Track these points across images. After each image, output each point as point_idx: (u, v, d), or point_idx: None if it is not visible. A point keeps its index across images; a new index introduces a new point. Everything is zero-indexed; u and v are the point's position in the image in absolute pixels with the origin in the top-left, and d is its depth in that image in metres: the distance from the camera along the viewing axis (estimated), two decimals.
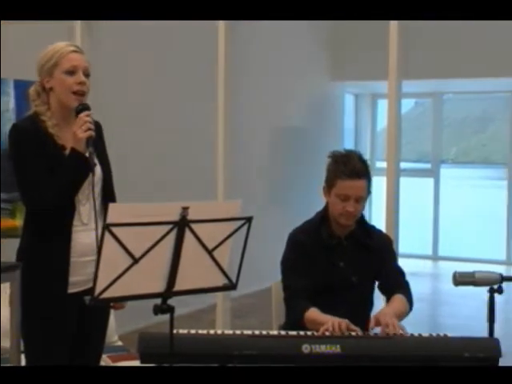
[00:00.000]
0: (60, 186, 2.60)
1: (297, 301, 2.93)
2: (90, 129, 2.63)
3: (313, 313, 2.85)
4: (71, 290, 2.67)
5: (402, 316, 2.90)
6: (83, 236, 2.67)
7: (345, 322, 2.68)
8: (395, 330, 2.65)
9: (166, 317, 2.25)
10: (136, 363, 2.62)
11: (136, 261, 2.14)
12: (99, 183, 2.74)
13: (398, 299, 2.95)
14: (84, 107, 2.67)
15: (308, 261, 2.99)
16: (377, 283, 3.10)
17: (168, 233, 2.16)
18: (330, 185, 3.00)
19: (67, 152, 2.64)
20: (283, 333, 2.69)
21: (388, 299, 3.03)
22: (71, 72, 2.67)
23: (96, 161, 2.67)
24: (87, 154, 2.63)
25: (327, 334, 2.63)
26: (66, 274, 2.65)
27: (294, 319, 2.96)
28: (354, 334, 2.66)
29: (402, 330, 2.67)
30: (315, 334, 2.63)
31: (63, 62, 2.67)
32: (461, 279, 2.79)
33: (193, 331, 2.60)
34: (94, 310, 2.60)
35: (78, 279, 2.67)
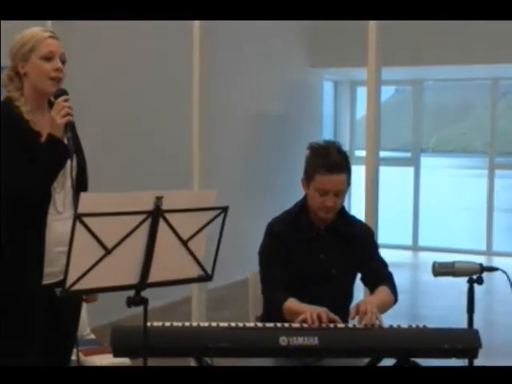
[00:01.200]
0: (38, 174, 2.58)
1: (275, 292, 2.94)
2: (68, 114, 2.61)
3: (291, 303, 2.86)
4: (44, 281, 2.65)
5: (385, 307, 2.92)
6: (58, 225, 2.65)
7: (324, 312, 2.69)
8: (372, 320, 2.66)
9: (140, 309, 2.25)
10: (109, 357, 2.63)
11: (108, 252, 2.14)
12: (73, 172, 2.72)
13: (383, 291, 2.97)
14: (62, 92, 2.66)
15: (287, 252, 3.00)
16: (359, 275, 3.12)
17: (141, 223, 2.16)
18: (308, 178, 3.00)
19: (44, 138, 2.62)
20: (260, 325, 2.70)
21: (372, 291, 3.03)
22: (48, 58, 2.66)
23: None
24: (65, 140, 2.61)
25: (305, 325, 2.64)
26: (41, 264, 2.63)
27: (272, 311, 2.97)
28: (332, 325, 2.67)
29: (378, 321, 2.68)
30: (293, 325, 2.64)
31: (40, 47, 2.65)
32: (440, 270, 2.82)
33: (167, 324, 2.60)
34: (65, 303, 2.59)
35: (51, 270, 2.65)
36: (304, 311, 2.71)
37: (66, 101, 2.63)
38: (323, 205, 2.95)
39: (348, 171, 2.99)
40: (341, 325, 2.70)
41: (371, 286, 3.05)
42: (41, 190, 2.61)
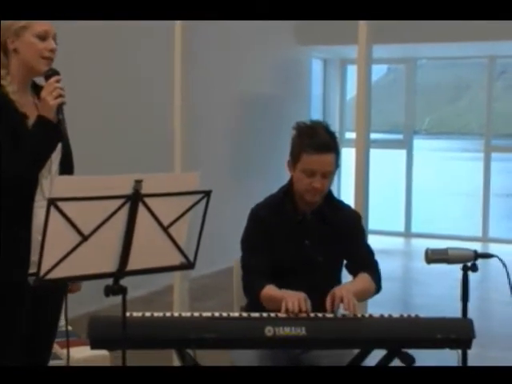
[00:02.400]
0: (27, 158, 2.56)
1: (253, 280, 2.94)
2: (60, 95, 2.60)
3: (269, 290, 2.87)
4: (31, 269, 2.63)
5: (363, 295, 2.94)
6: (44, 211, 2.63)
7: (302, 298, 2.69)
8: (349, 306, 2.67)
9: (119, 299, 2.25)
10: (86, 349, 2.62)
11: (85, 238, 2.13)
12: (58, 157, 2.71)
13: (361, 277, 2.99)
14: (53, 72, 2.65)
15: (270, 239, 3.00)
16: (344, 262, 3.13)
17: (120, 208, 2.15)
18: (294, 159, 3.00)
19: (30, 121, 2.60)
20: (245, 315, 2.70)
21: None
22: (43, 37, 2.66)
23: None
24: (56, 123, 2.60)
25: (292, 315, 2.64)
26: (28, 253, 2.60)
27: (250, 299, 2.99)
28: (320, 315, 2.68)
29: (354, 308, 2.69)
30: (279, 315, 2.65)
31: (35, 25, 2.65)
32: (433, 256, 2.83)
33: (147, 314, 2.60)
34: (49, 292, 2.58)
35: (36, 258, 2.63)
36: (282, 297, 2.71)
37: (57, 81, 2.62)
38: (310, 187, 2.95)
39: (336, 152, 2.99)
40: (329, 314, 2.71)
41: (354, 273, 3.06)
42: (29, 175, 2.60)
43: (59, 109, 2.61)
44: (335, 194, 3.20)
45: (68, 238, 2.11)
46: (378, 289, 3.04)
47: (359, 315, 2.71)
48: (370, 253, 3.12)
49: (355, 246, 3.09)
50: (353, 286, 2.89)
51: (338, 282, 3.10)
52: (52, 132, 2.59)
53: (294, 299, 2.67)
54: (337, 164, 3.01)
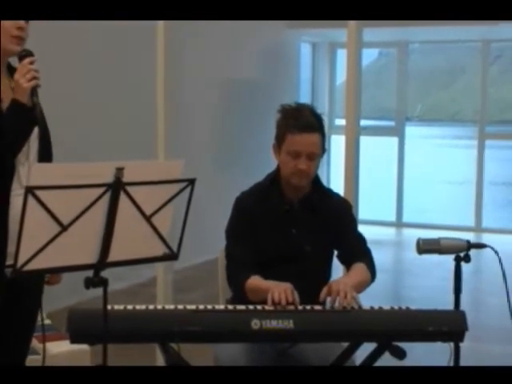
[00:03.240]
0: (2, 144, 2.54)
1: (237, 270, 2.95)
2: (35, 77, 2.57)
3: (254, 281, 2.87)
4: (8, 261, 2.61)
5: (362, 286, 2.93)
6: (21, 200, 2.62)
7: (289, 289, 2.70)
8: (346, 301, 2.68)
9: (100, 292, 2.25)
10: (66, 343, 2.62)
11: (64, 228, 2.13)
12: (36, 143, 2.69)
13: (358, 268, 2.99)
14: (27, 53, 2.62)
15: (255, 228, 3.00)
16: (336, 253, 3.13)
17: (100, 196, 2.14)
18: (279, 141, 3.01)
19: (5, 104, 2.57)
20: (231, 307, 2.71)
21: (348, 269, 3.05)
22: None
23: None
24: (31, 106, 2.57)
25: (279, 307, 2.65)
26: (5, 244, 2.59)
27: (234, 290, 2.99)
28: (309, 307, 2.68)
29: (354, 301, 2.70)
30: (266, 308, 2.65)
31: None
32: (425, 247, 2.84)
33: (130, 307, 2.60)
34: (25, 284, 2.57)
35: (13, 250, 2.62)
36: (268, 288, 2.72)
37: (31, 63, 2.59)
38: (296, 169, 2.95)
39: (322, 133, 3.00)
40: (318, 307, 2.71)
41: (347, 263, 3.06)
42: (4, 162, 2.57)
43: (33, 92, 2.58)
44: (324, 182, 3.20)
45: (46, 228, 2.10)
46: (373, 278, 3.04)
47: (361, 308, 2.70)
48: (362, 241, 3.13)
49: (346, 235, 3.09)
50: (350, 279, 2.88)
51: (328, 272, 3.11)
52: (26, 116, 2.57)
53: (280, 290, 2.67)
54: (323, 147, 3.01)
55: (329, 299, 2.75)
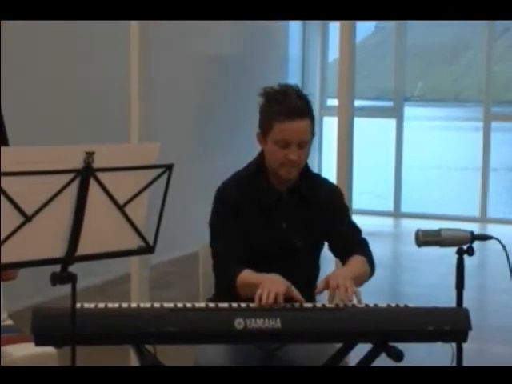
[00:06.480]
0: None
1: (227, 266, 2.95)
2: None
3: (246, 275, 2.87)
4: None
5: (361, 280, 2.94)
6: None
7: (281, 287, 2.69)
8: (347, 294, 2.68)
9: (68, 289, 2.24)
10: (30, 346, 2.61)
11: (28, 219, 2.12)
12: None
13: (357, 260, 2.99)
14: None
15: (241, 222, 2.99)
16: (326, 244, 3.13)
17: (68, 184, 2.14)
18: (265, 130, 2.98)
19: None
20: (212, 305, 2.71)
21: (344, 262, 3.05)
22: None
23: None
24: None
25: (266, 306, 2.65)
26: None
27: (225, 289, 2.98)
28: (297, 304, 2.69)
29: (355, 296, 2.71)
30: (251, 306, 2.66)
31: None
32: (425, 239, 2.84)
33: (101, 305, 2.60)
34: None
35: None
36: (262, 281, 2.72)
37: None
38: (286, 159, 2.94)
39: (311, 117, 2.99)
40: (308, 304, 2.72)
41: (342, 255, 3.07)
42: None
43: None
44: (315, 169, 3.20)
45: (8, 219, 2.10)
46: (372, 271, 3.05)
47: (361, 304, 2.71)
48: (357, 231, 3.14)
49: (339, 225, 3.09)
50: (350, 272, 2.88)
51: (317, 267, 3.12)
52: None
53: (270, 287, 2.67)
54: (312, 133, 3.00)
55: (327, 296, 2.75)
